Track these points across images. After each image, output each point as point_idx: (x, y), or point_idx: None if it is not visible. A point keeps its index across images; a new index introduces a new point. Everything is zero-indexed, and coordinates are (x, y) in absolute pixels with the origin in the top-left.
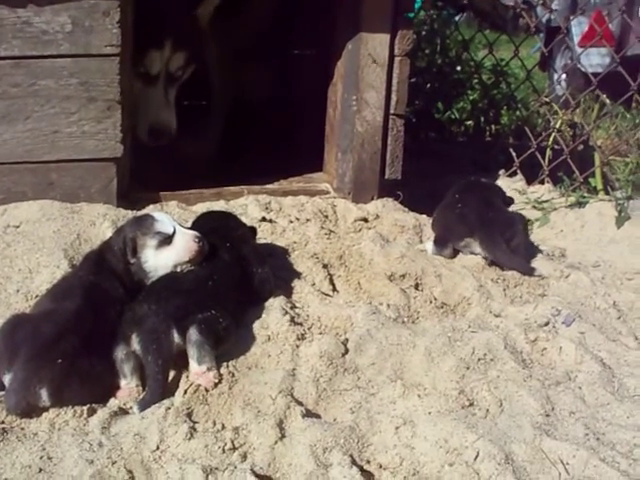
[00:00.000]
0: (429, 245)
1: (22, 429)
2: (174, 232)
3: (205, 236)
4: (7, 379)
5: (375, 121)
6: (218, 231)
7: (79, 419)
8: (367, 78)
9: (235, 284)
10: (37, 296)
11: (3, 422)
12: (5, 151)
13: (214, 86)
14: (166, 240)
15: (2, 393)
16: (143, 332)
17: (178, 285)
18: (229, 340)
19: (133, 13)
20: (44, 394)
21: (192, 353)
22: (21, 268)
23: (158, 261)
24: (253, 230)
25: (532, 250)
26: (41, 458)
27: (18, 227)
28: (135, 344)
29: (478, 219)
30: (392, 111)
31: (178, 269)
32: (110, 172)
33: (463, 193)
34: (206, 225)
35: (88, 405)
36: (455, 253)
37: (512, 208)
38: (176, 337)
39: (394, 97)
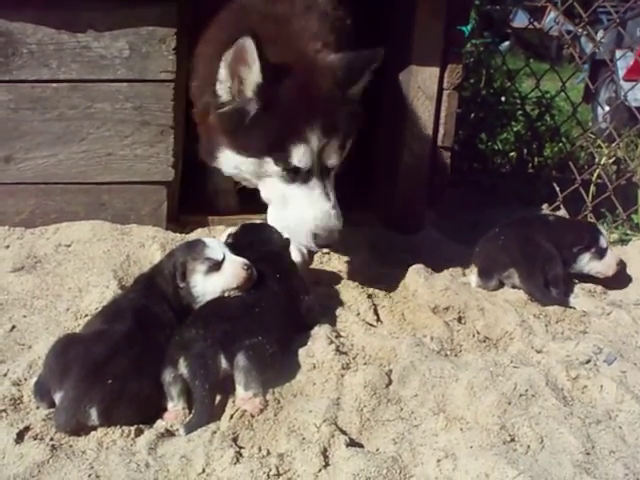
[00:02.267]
0: (473, 277)
1: (71, 447)
2: (224, 258)
3: (253, 263)
4: (58, 397)
5: (422, 153)
6: (266, 258)
7: (127, 439)
8: (416, 111)
9: (282, 311)
10: (86, 315)
11: (52, 439)
12: (60, 171)
13: None
14: (215, 266)
15: (52, 410)
16: (191, 356)
17: (226, 310)
18: (275, 367)
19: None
20: (94, 414)
21: (239, 379)
22: (71, 287)
23: (207, 286)
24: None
25: (573, 286)
26: (89, 476)
27: (69, 246)
28: (182, 368)
29: (520, 252)
30: (439, 143)
31: (226, 294)
32: (160, 195)
33: (503, 228)
34: (255, 251)
35: (136, 426)
36: (499, 286)
37: None
38: (223, 362)
39: (441, 130)
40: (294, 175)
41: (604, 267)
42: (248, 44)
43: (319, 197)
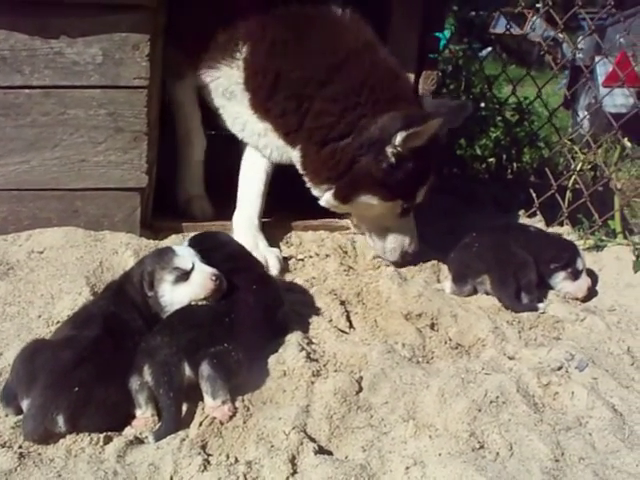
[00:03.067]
0: (447, 283)
1: (39, 454)
2: (192, 268)
3: (226, 271)
4: (25, 404)
5: None
6: (239, 269)
7: (95, 447)
8: None
9: (253, 320)
10: (58, 322)
11: (21, 447)
12: (32, 178)
13: None
14: (183, 276)
15: (20, 418)
16: (155, 364)
17: (194, 318)
18: (241, 374)
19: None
20: (60, 420)
21: (205, 388)
22: (43, 294)
23: (174, 296)
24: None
25: (547, 292)
26: None
27: (42, 253)
28: (147, 375)
29: (493, 258)
30: None
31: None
32: (134, 202)
33: (479, 235)
34: (226, 260)
35: (104, 433)
36: (473, 292)
37: None
38: (187, 370)
39: None
40: (405, 211)
41: (575, 289)
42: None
43: (413, 227)
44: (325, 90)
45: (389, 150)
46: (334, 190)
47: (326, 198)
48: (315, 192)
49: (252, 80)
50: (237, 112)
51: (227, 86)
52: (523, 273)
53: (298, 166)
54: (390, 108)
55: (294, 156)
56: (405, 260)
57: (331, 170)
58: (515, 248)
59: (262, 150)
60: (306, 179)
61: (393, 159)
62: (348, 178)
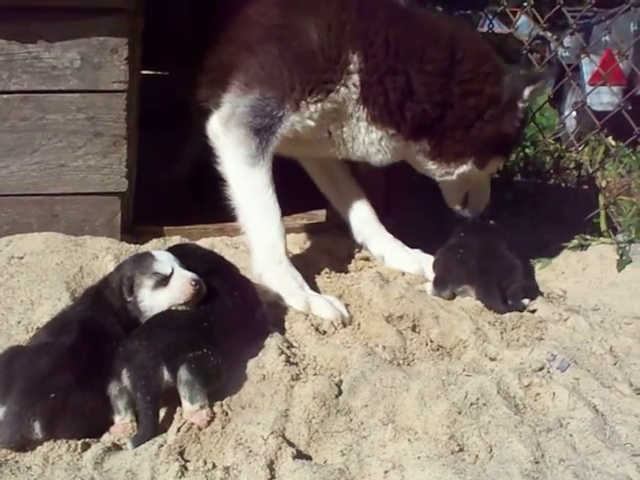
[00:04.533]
0: (428, 286)
1: (16, 462)
2: (172, 273)
3: (204, 274)
4: (1, 412)
5: None
6: (218, 271)
7: (73, 453)
8: None
9: (232, 323)
10: (38, 328)
11: None
12: (12, 183)
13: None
14: (163, 281)
15: None
16: (132, 368)
17: (172, 322)
18: (220, 378)
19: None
20: (37, 427)
21: (184, 393)
22: (23, 300)
23: (154, 301)
24: None
25: (532, 292)
26: None
27: (22, 258)
28: (125, 380)
29: (477, 266)
30: None
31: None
32: (114, 206)
33: (466, 236)
34: (204, 264)
35: (82, 440)
36: (454, 295)
37: None
38: (166, 374)
39: None
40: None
41: None
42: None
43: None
44: (453, 76)
45: (520, 105)
46: (472, 160)
47: (460, 171)
48: (445, 170)
49: (372, 91)
50: (345, 132)
51: (340, 107)
52: (509, 280)
53: (422, 158)
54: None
55: (415, 151)
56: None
57: (474, 144)
58: (503, 250)
59: (368, 157)
60: (435, 165)
61: (521, 115)
62: (489, 145)
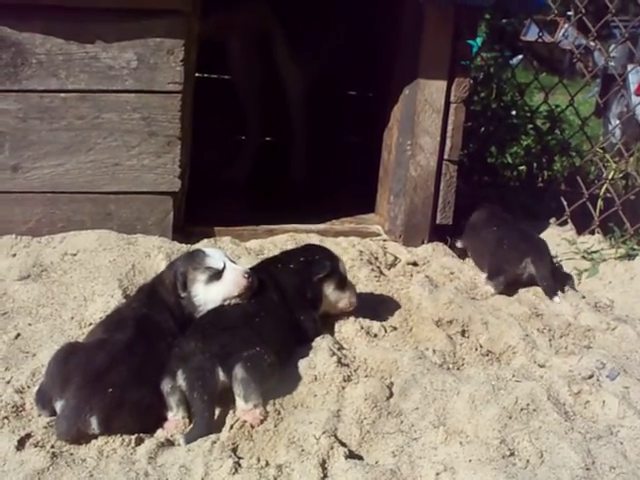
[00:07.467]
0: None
1: (71, 454)
2: (224, 267)
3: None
4: (59, 406)
5: (429, 166)
6: (269, 268)
7: (127, 448)
8: (423, 124)
9: (282, 322)
10: (90, 324)
11: (53, 447)
12: (67, 181)
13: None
14: (216, 275)
15: (54, 418)
16: (189, 369)
17: (224, 321)
18: (274, 377)
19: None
20: (94, 422)
21: (238, 391)
22: (76, 296)
23: (208, 295)
24: None
25: (579, 301)
26: None
27: (75, 255)
28: (181, 380)
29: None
30: (446, 157)
31: (226, 303)
32: (167, 206)
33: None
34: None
35: (136, 435)
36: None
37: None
38: (221, 375)
39: (448, 143)
40: None
41: None
42: None
43: None
44: None
45: None
46: None
47: None
48: None
49: None
50: None
51: None
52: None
53: None
54: None
55: None
56: None
57: None
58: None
59: None
60: None
61: None
62: None
